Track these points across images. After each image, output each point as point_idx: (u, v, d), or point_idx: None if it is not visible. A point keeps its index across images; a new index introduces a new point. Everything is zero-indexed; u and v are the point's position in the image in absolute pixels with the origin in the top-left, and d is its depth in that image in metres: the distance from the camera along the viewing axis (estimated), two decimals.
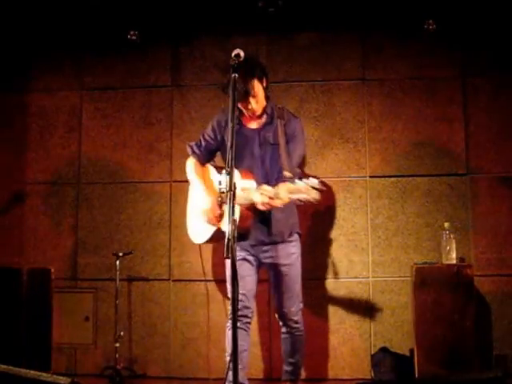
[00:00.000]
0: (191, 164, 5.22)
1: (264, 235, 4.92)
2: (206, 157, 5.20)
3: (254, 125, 5.00)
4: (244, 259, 4.93)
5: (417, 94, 6.52)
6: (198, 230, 5.14)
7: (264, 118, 4.99)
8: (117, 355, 6.01)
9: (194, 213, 5.20)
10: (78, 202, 6.81)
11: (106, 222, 6.75)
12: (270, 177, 4.89)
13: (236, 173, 4.68)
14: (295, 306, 4.97)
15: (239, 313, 4.89)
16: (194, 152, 5.20)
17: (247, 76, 4.72)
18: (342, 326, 6.37)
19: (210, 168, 5.20)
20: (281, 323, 5.06)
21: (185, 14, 6.69)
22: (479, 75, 6.46)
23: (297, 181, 4.18)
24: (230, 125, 3.84)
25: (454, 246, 5.83)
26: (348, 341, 6.36)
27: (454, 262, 5.81)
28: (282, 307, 4.97)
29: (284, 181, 4.41)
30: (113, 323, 6.18)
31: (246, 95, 4.77)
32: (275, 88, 6.59)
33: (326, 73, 6.64)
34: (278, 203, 4.41)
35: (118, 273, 6.10)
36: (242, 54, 4.12)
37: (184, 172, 6.50)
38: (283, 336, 5.10)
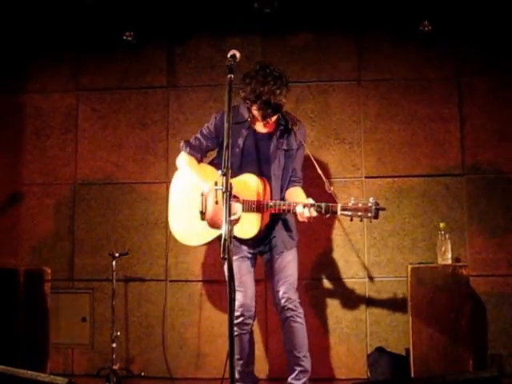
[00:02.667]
0: (186, 159, 5.22)
1: (265, 247, 5.11)
2: (203, 154, 5.25)
3: (265, 130, 5.02)
4: (244, 257, 5.04)
5: (412, 94, 6.54)
6: (194, 231, 5.07)
7: (277, 125, 5.02)
8: (114, 355, 6.00)
9: (186, 212, 5.12)
10: (74, 203, 6.81)
11: (102, 222, 6.75)
12: (283, 182, 5.03)
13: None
14: (292, 286, 5.02)
15: (241, 319, 4.92)
16: (192, 149, 5.21)
17: (270, 107, 4.74)
18: (338, 326, 6.39)
19: (210, 167, 5.20)
20: (279, 309, 5.03)
21: (180, 14, 6.69)
22: (475, 75, 6.47)
23: (352, 199, 4.54)
24: (225, 125, 3.86)
25: (449, 246, 5.83)
26: (344, 341, 6.38)
27: (450, 262, 5.81)
28: (278, 286, 5.02)
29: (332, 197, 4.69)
30: (109, 324, 6.16)
31: (264, 118, 4.83)
32: None
33: (322, 73, 6.65)
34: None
35: (114, 273, 6.08)
36: (237, 54, 4.16)
37: None
38: (285, 326, 5.06)
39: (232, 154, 4.86)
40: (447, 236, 5.86)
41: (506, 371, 6.07)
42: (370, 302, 6.39)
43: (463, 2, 6.37)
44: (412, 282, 5.66)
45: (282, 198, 4.99)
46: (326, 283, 6.39)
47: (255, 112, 4.84)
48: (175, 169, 6.62)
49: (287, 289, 5.01)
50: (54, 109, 6.97)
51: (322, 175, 4.76)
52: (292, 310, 5.00)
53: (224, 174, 3.70)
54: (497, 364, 6.06)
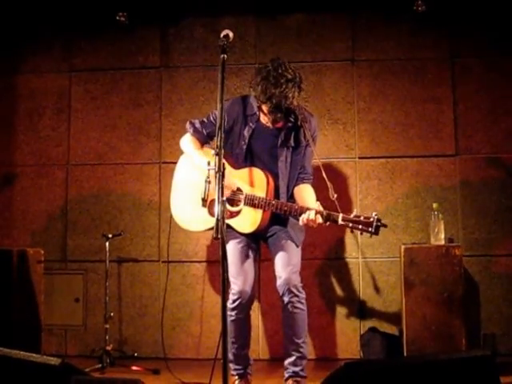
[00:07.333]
0: (191, 141, 5.01)
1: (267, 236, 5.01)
2: (206, 140, 5.01)
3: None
4: (244, 241, 4.90)
5: (406, 74, 6.53)
6: (195, 216, 4.94)
7: (286, 121, 4.79)
8: (107, 336, 5.99)
9: (189, 196, 4.97)
10: (67, 184, 6.80)
11: (95, 203, 6.74)
12: (290, 180, 4.88)
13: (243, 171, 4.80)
14: (295, 270, 4.87)
15: (238, 305, 4.80)
16: (196, 132, 4.99)
17: (280, 111, 4.58)
18: (331, 306, 6.40)
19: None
20: (281, 293, 4.85)
21: None
22: (468, 56, 6.47)
23: (355, 211, 4.44)
24: (218, 106, 3.84)
25: (442, 226, 5.83)
26: (337, 321, 6.39)
27: (443, 242, 5.81)
28: (281, 270, 4.85)
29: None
30: (103, 304, 6.16)
31: (273, 122, 4.70)
32: None
33: (315, 54, 6.63)
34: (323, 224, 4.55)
35: (107, 254, 6.07)
36: (230, 34, 4.12)
37: (173, 153, 6.52)
38: (285, 310, 4.88)
39: (237, 145, 4.86)
40: (440, 216, 5.86)
41: (499, 350, 6.10)
42: (363, 282, 6.40)
43: None
44: (405, 262, 5.67)
45: (290, 196, 4.88)
46: (319, 263, 6.41)
47: (264, 109, 4.66)
48: (168, 149, 6.64)
49: (290, 273, 4.83)
50: (47, 89, 6.94)
51: (327, 181, 4.57)
52: (294, 295, 4.83)
53: (217, 154, 3.69)
54: (490, 343, 6.08)
